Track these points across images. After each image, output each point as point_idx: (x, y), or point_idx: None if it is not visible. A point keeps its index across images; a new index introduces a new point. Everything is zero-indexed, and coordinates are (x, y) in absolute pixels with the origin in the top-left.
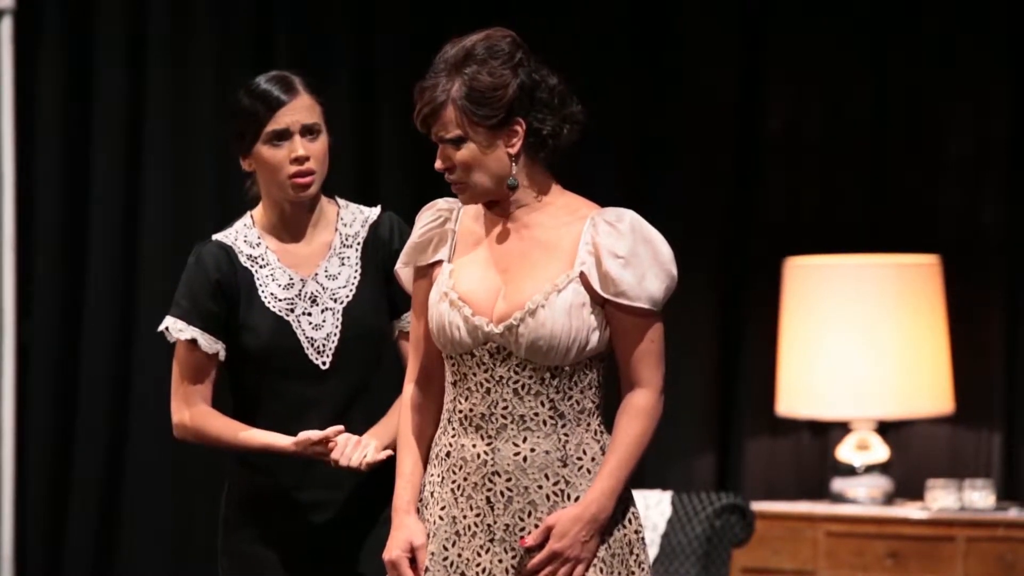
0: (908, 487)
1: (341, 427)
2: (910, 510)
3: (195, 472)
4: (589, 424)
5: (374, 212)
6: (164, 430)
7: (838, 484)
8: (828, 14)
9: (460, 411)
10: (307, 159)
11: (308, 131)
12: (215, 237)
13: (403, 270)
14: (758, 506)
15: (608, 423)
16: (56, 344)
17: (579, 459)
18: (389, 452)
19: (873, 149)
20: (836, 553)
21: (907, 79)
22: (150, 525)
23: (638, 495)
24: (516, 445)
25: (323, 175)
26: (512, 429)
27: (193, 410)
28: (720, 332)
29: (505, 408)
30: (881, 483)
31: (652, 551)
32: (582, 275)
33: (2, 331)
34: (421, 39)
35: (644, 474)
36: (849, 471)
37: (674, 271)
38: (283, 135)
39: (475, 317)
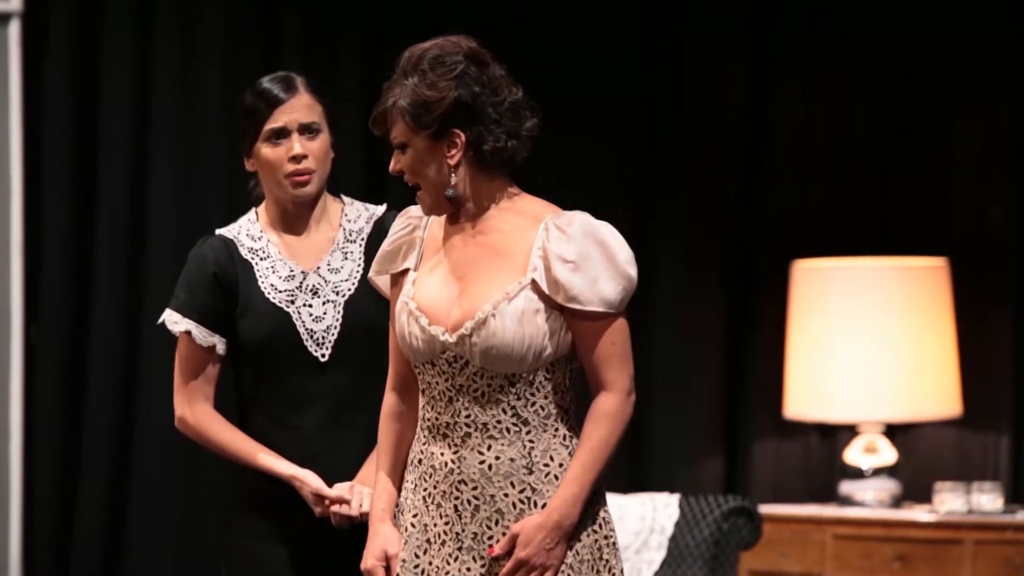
0: (916, 490)
1: (342, 494)
2: (918, 513)
3: (201, 474)
4: (557, 429)
5: (379, 210)
6: (171, 433)
7: (846, 487)
8: (834, 18)
9: (428, 419)
10: (304, 157)
11: (306, 130)
12: (218, 231)
13: (377, 278)
14: (766, 509)
15: (580, 427)
16: (63, 346)
17: (546, 465)
18: None
19: (880, 151)
20: (844, 556)
21: (913, 81)
22: (157, 527)
23: (645, 497)
24: (481, 453)
25: (324, 173)
26: (476, 437)
27: (196, 409)
28: (728, 335)
29: (468, 416)
30: (889, 486)
31: (660, 554)
32: (534, 282)
33: (10, 333)
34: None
35: (652, 477)
36: (857, 474)
37: (631, 272)
38: (281, 133)
39: (431, 327)
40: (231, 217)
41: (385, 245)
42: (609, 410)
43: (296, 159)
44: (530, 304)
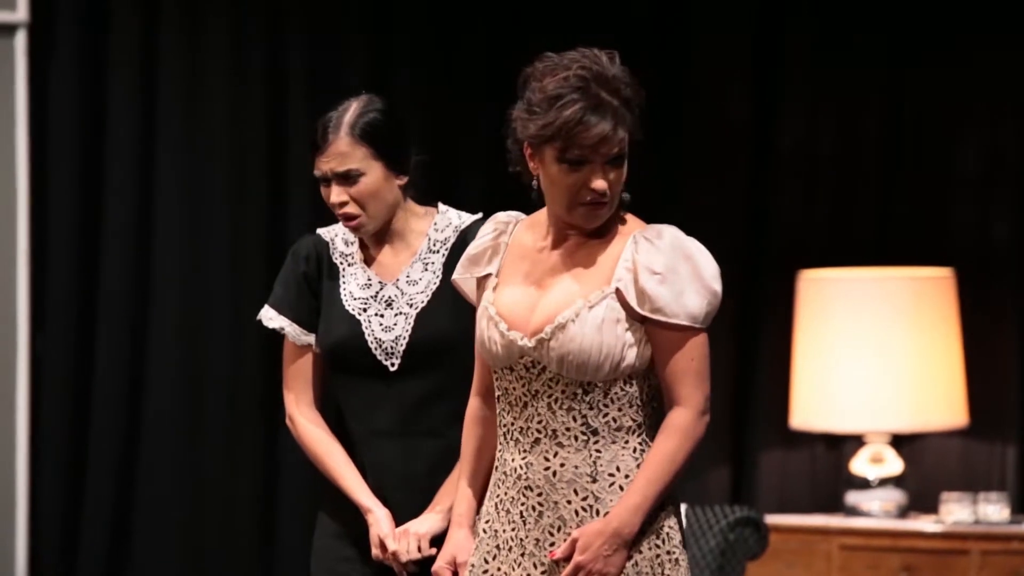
0: (922, 500)
1: (397, 546)
2: (924, 523)
3: (208, 484)
4: (627, 442)
5: (469, 219)
6: (177, 442)
7: (852, 497)
8: (841, 29)
9: (504, 425)
10: (345, 203)
11: (343, 178)
12: (318, 230)
13: (463, 281)
14: (772, 519)
15: None
16: (69, 357)
17: (611, 475)
18: (433, 551)
19: (886, 162)
20: (850, 566)
21: (920, 92)
22: (163, 537)
23: None
24: (547, 459)
25: (376, 210)
26: (545, 443)
27: (302, 418)
28: (734, 345)
29: (539, 422)
30: (895, 496)
31: None
32: (618, 291)
33: (16, 344)
34: (434, 52)
35: None
36: (863, 484)
37: (716, 288)
38: (324, 180)
39: (510, 332)
40: (237, 227)
41: (470, 249)
42: (680, 425)
43: (336, 207)
44: (611, 313)
